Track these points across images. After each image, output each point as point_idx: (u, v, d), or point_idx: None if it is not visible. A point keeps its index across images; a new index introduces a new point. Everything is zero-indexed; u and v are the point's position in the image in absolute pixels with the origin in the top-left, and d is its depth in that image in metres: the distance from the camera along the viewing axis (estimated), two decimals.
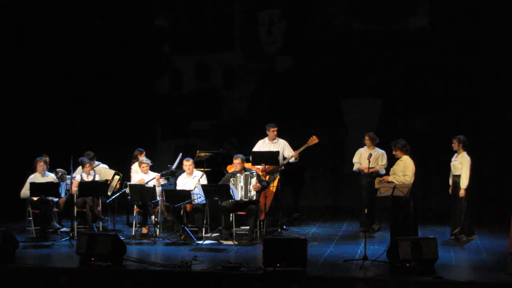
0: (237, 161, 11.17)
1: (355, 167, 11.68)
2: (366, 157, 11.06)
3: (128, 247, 9.60)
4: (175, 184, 11.63)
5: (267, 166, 11.56)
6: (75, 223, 11.20)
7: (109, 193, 11.79)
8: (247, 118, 14.92)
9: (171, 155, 13.92)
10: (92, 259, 9.15)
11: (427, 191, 12.96)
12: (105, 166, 12.27)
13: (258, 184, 11.04)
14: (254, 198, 11.05)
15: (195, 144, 14.41)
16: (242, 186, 11.07)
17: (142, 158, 11.99)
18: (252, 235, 10.93)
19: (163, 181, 11.70)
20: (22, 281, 8.94)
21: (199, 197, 10.98)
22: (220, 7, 15.00)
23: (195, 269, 8.88)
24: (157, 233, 11.21)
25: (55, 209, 11.36)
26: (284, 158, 11.80)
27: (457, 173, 10.76)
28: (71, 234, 10.85)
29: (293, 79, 14.72)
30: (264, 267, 8.75)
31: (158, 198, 11.19)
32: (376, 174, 11.28)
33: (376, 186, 10.44)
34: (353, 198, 12.44)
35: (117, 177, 12.13)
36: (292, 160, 11.77)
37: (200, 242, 10.67)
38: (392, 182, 10.12)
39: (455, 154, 10.86)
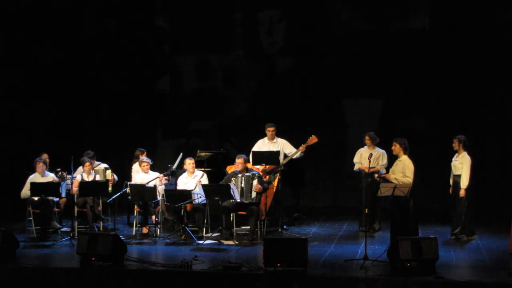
0: (239, 160, 11.19)
1: (356, 167, 11.69)
2: (366, 157, 11.07)
3: (128, 247, 9.59)
4: (175, 184, 11.64)
5: (267, 166, 11.56)
6: (76, 223, 11.20)
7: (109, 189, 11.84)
8: (247, 118, 14.92)
9: (171, 155, 13.92)
10: (93, 259, 9.14)
11: (427, 191, 12.95)
12: (105, 165, 12.26)
13: (259, 186, 11.04)
14: (255, 200, 11.06)
15: (195, 144, 14.41)
16: (242, 187, 11.07)
17: (143, 157, 12.00)
18: (252, 235, 10.93)
19: (164, 181, 11.71)
20: (23, 281, 8.94)
21: (199, 197, 10.99)
22: (220, 7, 15.00)
23: (195, 269, 8.88)
24: (158, 233, 11.21)
25: (55, 209, 11.38)
26: (286, 156, 11.79)
27: (457, 173, 10.76)
28: (71, 234, 10.87)
29: (293, 79, 14.72)
30: (264, 267, 8.74)
31: (159, 198, 11.20)
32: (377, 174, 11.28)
33: (376, 177, 10.50)
34: (353, 198, 12.44)
35: (108, 171, 12.12)
36: (298, 155, 11.75)
37: (201, 242, 10.67)
38: (393, 182, 10.10)
39: (456, 154, 10.86)
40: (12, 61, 14.43)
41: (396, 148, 10.29)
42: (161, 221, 11.72)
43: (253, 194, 11.08)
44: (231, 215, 11.15)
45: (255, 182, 11.06)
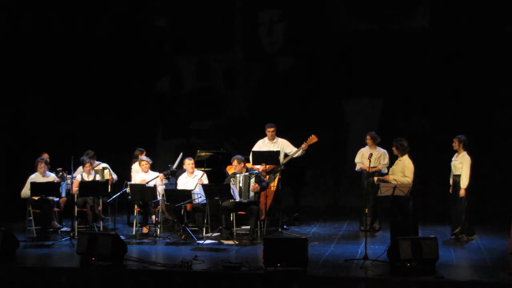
0: (234, 163, 11.19)
1: (358, 167, 11.69)
2: (367, 157, 11.06)
3: (128, 247, 9.60)
4: (176, 184, 11.64)
5: (267, 166, 11.57)
6: (76, 223, 11.20)
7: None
8: (247, 118, 14.92)
9: (171, 155, 13.92)
10: (93, 258, 9.14)
11: (427, 191, 12.95)
12: (104, 165, 12.27)
13: (256, 185, 11.03)
14: (253, 199, 11.05)
15: (195, 143, 14.41)
16: (241, 186, 11.07)
17: (142, 156, 12.00)
18: (252, 234, 10.93)
19: (165, 180, 11.71)
20: (23, 281, 8.95)
21: (199, 196, 10.99)
22: (220, 7, 14.99)
23: (195, 269, 8.88)
24: (158, 232, 11.21)
25: (55, 209, 11.38)
26: (286, 156, 11.78)
27: (457, 173, 10.77)
28: (71, 234, 10.86)
29: (293, 79, 14.71)
30: (264, 267, 8.75)
31: (159, 198, 11.20)
32: (379, 173, 11.30)
33: (376, 182, 10.49)
34: (353, 197, 12.45)
35: (106, 171, 12.11)
36: (299, 153, 11.74)
37: (201, 241, 10.67)
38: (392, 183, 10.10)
39: (456, 154, 10.87)
40: (12, 60, 14.44)
41: (394, 149, 10.31)
42: (161, 221, 11.72)
43: (251, 193, 11.08)
44: (231, 215, 11.15)
45: (252, 181, 11.05)
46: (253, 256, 9.62)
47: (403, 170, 10.08)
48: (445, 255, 9.53)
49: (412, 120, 14.18)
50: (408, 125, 14.05)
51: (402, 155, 10.16)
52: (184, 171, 11.63)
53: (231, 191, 10.78)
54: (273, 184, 11.71)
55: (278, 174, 11.70)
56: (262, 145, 12.00)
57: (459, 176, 10.71)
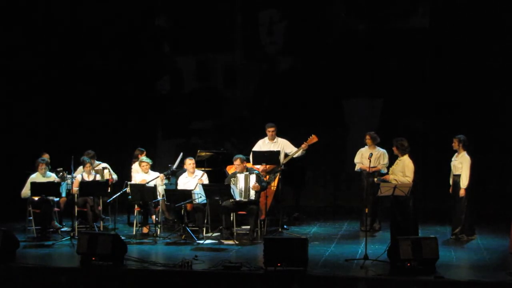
0: (236, 162, 11.18)
1: (357, 167, 11.69)
2: (367, 157, 11.07)
3: (128, 247, 9.60)
4: (176, 184, 11.64)
5: (267, 166, 11.57)
6: (76, 223, 11.21)
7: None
8: (247, 118, 14.92)
9: (171, 155, 13.91)
10: (93, 258, 9.15)
11: (427, 191, 12.94)
12: (104, 165, 12.27)
13: (257, 184, 11.04)
14: (254, 198, 11.06)
15: (195, 143, 14.41)
16: (242, 186, 11.07)
17: (142, 157, 12.00)
18: (252, 234, 10.93)
19: (165, 180, 11.72)
20: (23, 281, 8.95)
21: (199, 196, 10.99)
22: (220, 7, 14.99)
23: (196, 269, 8.89)
24: (158, 232, 11.21)
25: (55, 209, 11.38)
26: (286, 156, 11.78)
27: (457, 173, 10.77)
28: (71, 234, 10.86)
29: (293, 79, 14.70)
30: (265, 267, 8.75)
31: (159, 198, 11.20)
32: (378, 173, 11.31)
33: (376, 181, 10.49)
34: (353, 197, 12.46)
35: (106, 171, 12.11)
36: (299, 153, 11.75)
37: (201, 241, 10.68)
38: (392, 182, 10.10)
39: (455, 154, 10.87)
40: (12, 60, 14.43)
41: (394, 149, 10.31)
42: (161, 221, 11.72)
43: (252, 193, 11.08)
44: (231, 214, 11.15)
45: (253, 180, 11.04)
46: (253, 256, 9.62)
47: (404, 170, 10.09)
48: (445, 255, 9.53)
49: (412, 120, 14.18)
50: (408, 125, 14.04)
51: (402, 155, 10.17)
52: (184, 171, 11.63)
53: (231, 191, 10.78)
54: (273, 184, 11.71)
55: (278, 174, 11.70)
56: (262, 145, 12.00)
57: (459, 176, 10.72)
